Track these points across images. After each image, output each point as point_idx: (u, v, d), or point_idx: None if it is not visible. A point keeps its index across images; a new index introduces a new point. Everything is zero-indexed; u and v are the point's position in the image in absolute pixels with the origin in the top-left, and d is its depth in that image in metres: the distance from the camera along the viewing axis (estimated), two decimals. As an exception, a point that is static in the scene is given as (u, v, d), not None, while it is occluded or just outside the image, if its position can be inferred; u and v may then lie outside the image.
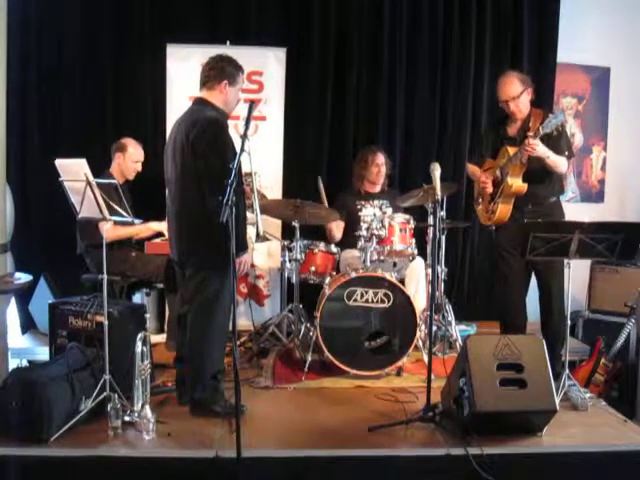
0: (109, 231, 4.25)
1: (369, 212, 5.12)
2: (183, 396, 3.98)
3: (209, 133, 3.66)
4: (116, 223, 4.06)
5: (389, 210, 5.24)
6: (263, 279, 6.03)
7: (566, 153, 4.54)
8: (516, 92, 4.56)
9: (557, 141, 4.50)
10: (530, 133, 4.39)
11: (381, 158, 5.65)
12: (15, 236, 5.61)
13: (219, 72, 3.87)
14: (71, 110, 5.92)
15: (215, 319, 3.80)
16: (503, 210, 4.60)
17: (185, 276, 3.94)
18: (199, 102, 3.91)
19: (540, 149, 4.36)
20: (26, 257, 5.72)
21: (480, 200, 4.89)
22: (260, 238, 5.02)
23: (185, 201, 3.79)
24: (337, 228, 5.63)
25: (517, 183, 4.50)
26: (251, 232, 4.77)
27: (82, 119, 5.90)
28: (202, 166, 3.63)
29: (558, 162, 4.49)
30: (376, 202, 5.54)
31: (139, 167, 5.16)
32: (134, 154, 5.13)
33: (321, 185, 5.60)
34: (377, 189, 5.72)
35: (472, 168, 5.01)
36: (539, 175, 4.51)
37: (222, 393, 3.89)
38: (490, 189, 4.77)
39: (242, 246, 3.72)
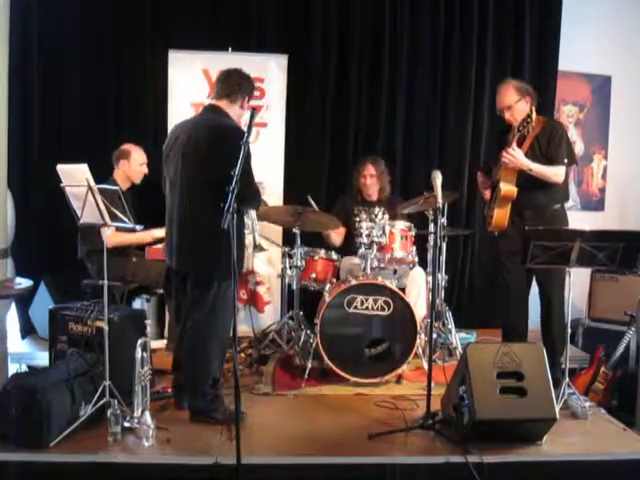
0: (110, 237, 4.27)
1: (365, 217, 5.14)
2: (181, 402, 3.99)
3: (234, 142, 3.44)
4: (118, 229, 4.06)
5: (386, 217, 5.26)
6: (263, 285, 6.01)
7: (565, 160, 4.52)
8: (511, 101, 4.57)
9: (556, 148, 4.50)
10: (512, 146, 4.41)
11: (370, 169, 5.63)
12: (16, 241, 5.60)
13: (244, 88, 3.91)
14: (73, 115, 5.93)
15: (215, 328, 3.80)
16: (499, 215, 4.58)
17: (183, 283, 3.94)
18: (215, 109, 3.89)
19: (519, 161, 4.38)
20: (26, 262, 5.72)
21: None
22: (257, 248, 5.03)
23: (193, 206, 3.75)
24: (336, 234, 5.63)
25: (506, 187, 4.48)
26: (247, 240, 4.80)
27: (84, 125, 5.92)
28: (222, 175, 3.39)
29: (547, 173, 4.46)
30: (374, 209, 5.57)
31: (145, 169, 5.19)
32: (138, 158, 5.16)
33: (312, 202, 5.50)
34: (373, 197, 5.72)
35: (478, 176, 5.03)
36: (537, 181, 4.48)
37: (222, 400, 3.89)
38: (488, 195, 4.80)
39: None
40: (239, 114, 3.95)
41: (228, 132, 3.70)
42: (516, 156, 4.36)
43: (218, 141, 3.67)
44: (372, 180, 5.63)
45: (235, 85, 3.89)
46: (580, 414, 4.03)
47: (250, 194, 3.69)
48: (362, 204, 5.68)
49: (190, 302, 3.88)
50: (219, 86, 3.94)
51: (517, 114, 4.55)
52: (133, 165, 5.13)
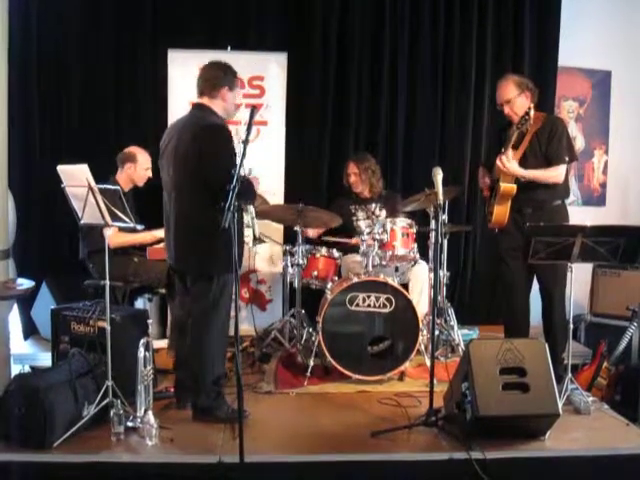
0: (112, 237, 4.29)
1: (362, 215, 5.14)
2: (182, 401, 3.99)
3: (219, 140, 3.65)
4: (120, 229, 4.05)
5: (382, 213, 5.25)
6: (265, 284, 6.03)
7: (566, 158, 4.53)
8: (510, 96, 4.56)
9: (557, 147, 4.50)
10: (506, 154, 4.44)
11: (353, 168, 5.65)
12: (17, 242, 5.62)
13: (218, 79, 3.87)
14: (73, 115, 5.93)
15: (216, 325, 3.81)
16: (499, 211, 4.58)
17: (183, 282, 3.96)
18: (200, 108, 3.90)
19: (511, 170, 4.41)
20: (28, 263, 5.73)
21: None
22: (257, 240, 5.03)
23: (187, 206, 3.78)
24: (312, 230, 5.67)
25: (505, 184, 4.48)
26: (248, 237, 4.79)
27: (84, 124, 5.92)
28: (211, 172, 3.60)
29: (542, 177, 4.48)
30: (370, 206, 5.56)
31: (150, 173, 5.17)
32: (145, 162, 5.16)
33: None
34: (366, 194, 5.74)
35: (480, 171, 5.02)
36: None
37: (224, 398, 3.90)
38: (487, 192, 4.81)
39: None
40: (224, 107, 3.93)
41: (208, 131, 3.73)
42: (508, 166, 4.41)
43: (199, 140, 3.70)
44: (356, 178, 5.65)
45: (212, 79, 3.88)
46: (583, 410, 4.03)
47: (244, 188, 3.67)
48: (357, 202, 5.68)
49: (190, 300, 3.90)
50: (198, 83, 3.94)
51: (516, 109, 4.54)
52: (139, 169, 5.12)
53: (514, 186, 4.47)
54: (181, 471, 3.32)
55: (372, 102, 6.26)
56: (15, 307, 5.59)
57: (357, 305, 4.60)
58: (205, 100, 3.90)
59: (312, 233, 5.67)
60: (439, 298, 5.22)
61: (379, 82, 6.22)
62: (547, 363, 3.59)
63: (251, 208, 4.82)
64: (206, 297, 3.78)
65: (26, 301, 5.56)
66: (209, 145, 3.65)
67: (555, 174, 4.50)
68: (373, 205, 5.53)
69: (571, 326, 4.11)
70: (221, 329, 3.85)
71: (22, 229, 5.71)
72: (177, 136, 3.86)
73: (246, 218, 4.74)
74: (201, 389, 3.81)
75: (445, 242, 5.42)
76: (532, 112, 4.34)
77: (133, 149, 5.17)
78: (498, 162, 4.44)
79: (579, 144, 6.60)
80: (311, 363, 4.63)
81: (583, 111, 6.69)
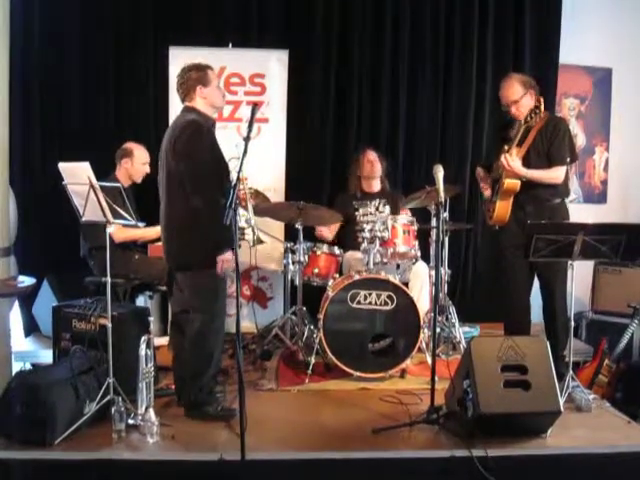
0: (117, 232, 4.33)
1: (366, 211, 5.14)
2: (183, 398, 4.00)
3: (186, 135, 3.74)
4: (123, 226, 4.06)
5: (386, 209, 5.25)
6: (266, 281, 6.03)
7: (567, 159, 4.53)
8: (516, 96, 4.55)
9: (558, 148, 4.49)
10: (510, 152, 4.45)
11: (372, 154, 5.68)
12: (18, 239, 5.61)
13: (189, 83, 3.94)
14: (74, 113, 5.93)
15: (211, 320, 3.83)
16: (500, 208, 4.57)
17: (176, 278, 3.98)
18: (185, 109, 3.99)
19: (514, 170, 4.41)
20: (29, 260, 5.73)
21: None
22: (256, 241, 5.04)
23: (170, 204, 3.86)
24: (329, 230, 5.65)
25: (509, 180, 4.48)
26: (248, 236, 4.79)
27: (85, 122, 5.92)
28: (183, 168, 3.72)
29: (543, 178, 4.48)
30: (375, 202, 5.56)
31: (147, 169, 5.17)
32: (141, 156, 5.16)
33: None
34: (374, 188, 5.74)
35: (478, 171, 5.01)
36: None
37: (216, 396, 3.94)
38: (489, 190, 4.80)
39: (223, 244, 3.72)
40: (206, 103, 3.97)
41: (179, 130, 3.82)
42: (511, 165, 4.41)
43: (176, 138, 3.80)
44: (376, 164, 5.66)
45: (184, 84, 3.97)
46: (584, 407, 4.03)
47: (192, 178, 3.75)
48: (360, 198, 5.68)
49: (182, 295, 3.95)
50: (177, 92, 4.04)
51: (523, 108, 4.53)
52: (136, 164, 5.13)
53: (518, 182, 4.46)
54: (182, 468, 3.32)
55: (373, 99, 6.25)
56: (16, 304, 5.58)
57: (358, 302, 4.60)
58: (188, 103, 3.99)
59: (326, 233, 5.65)
60: (440, 295, 5.21)
61: (380, 78, 6.21)
62: (548, 360, 3.59)
63: (250, 207, 4.82)
64: (199, 291, 3.82)
65: (27, 298, 5.57)
66: (178, 142, 3.76)
67: (555, 175, 4.50)
68: (377, 200, 5.54)
69: (572, 323, 4.11)
70: (218, 323, 3.89)
71: (23, 226, 5.71)
72: (164, 138, 3.97)
73: (249, 215, 4.76)
74: (196, 383, 3.83)
75: (446, 240, 5.41)
76: (542, 106, 4.34)
77: (130, 145, 5.19)
78: (502, 160, 4.44)
79: (580, 141, 6.59)
80: (312, 360, 4.63)
81: (584, 108, 6.68)
